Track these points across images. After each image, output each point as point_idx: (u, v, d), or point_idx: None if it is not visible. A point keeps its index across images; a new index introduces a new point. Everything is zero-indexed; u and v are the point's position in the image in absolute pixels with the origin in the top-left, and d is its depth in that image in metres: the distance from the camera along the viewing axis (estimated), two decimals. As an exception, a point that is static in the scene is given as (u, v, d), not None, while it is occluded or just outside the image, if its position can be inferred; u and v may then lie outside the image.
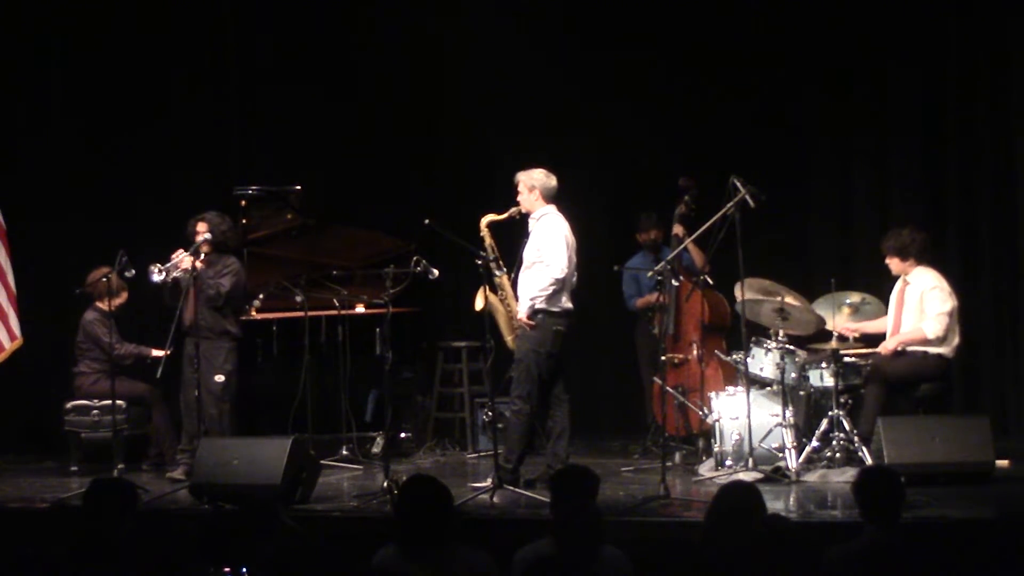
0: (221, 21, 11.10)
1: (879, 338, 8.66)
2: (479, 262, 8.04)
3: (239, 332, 9.03)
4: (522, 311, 8.06)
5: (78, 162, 10.80)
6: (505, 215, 8.24)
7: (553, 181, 8.23)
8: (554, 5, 10.92)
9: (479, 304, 8.29)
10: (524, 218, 8.26)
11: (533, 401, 8.06)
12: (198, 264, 8.70)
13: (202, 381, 8.65)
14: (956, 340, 8.58)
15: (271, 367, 9.74)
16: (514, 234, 8.39)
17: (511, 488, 7.70)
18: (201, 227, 8.87)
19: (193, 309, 8.74)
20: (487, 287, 8.24)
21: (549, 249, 8.09)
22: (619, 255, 9.76)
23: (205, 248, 8.74)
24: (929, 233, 9.60)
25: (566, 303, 8.14)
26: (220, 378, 8.79)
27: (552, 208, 8.23)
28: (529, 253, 8.12)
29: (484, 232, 8.22)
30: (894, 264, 8.67)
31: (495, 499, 7.57)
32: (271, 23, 11.15)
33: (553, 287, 8.02)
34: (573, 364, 11.13)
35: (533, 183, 8.20)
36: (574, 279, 8.27)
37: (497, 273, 8.32)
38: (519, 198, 8.21)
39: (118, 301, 9.11)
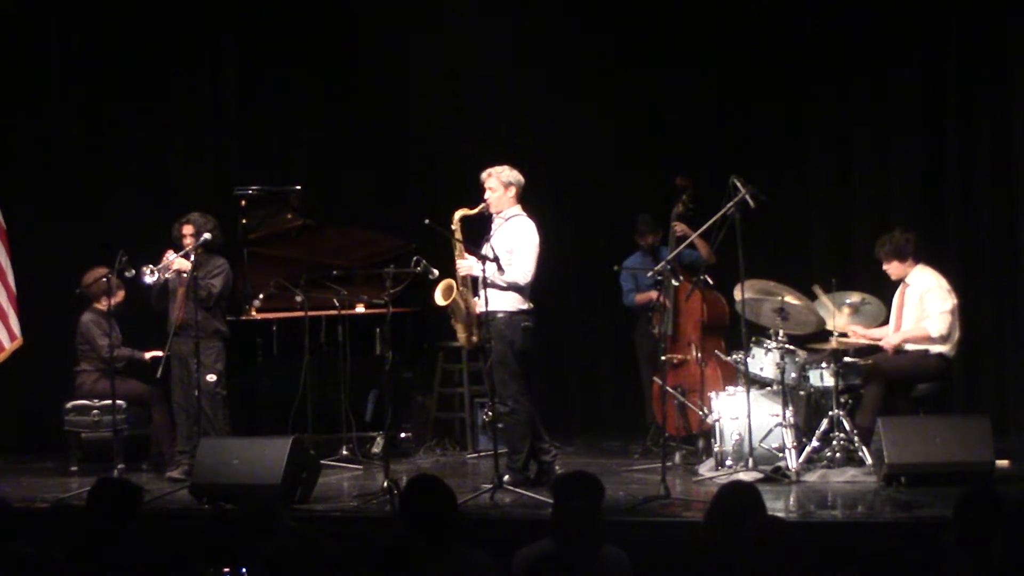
0: (221, 21, 11.10)
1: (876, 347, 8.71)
2: (482, 256, 7.94)
3: (228, 331, 9.05)
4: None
5: (78, 162, 10.81)
6: (476, 210, 8.10)
7: (523, 178, 8.16)
8: (554, 4, 10.92)
9: (443, 297, 8.22)
10: (484, 214, 8.11)
11: (524, 397, 8.03)
12: (188, 265, 8.71)
13: (192, 381, 8.67)
14: (957, 336, 8.60)
15: (271, 367, 9.75)
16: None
17: (511, 488, 7.69)
18: (187, 229, 8.91)
19: (183, 309, 8.75)
20: (456, 282, 8.20)
21: (522, 255, 7.98)
22: (618, 255, 9.75)
23: (200, 250, 8.76)
24: (928, 233, 9.68)
25: (528, 304, 8.06)
26: (212, 377, 8.80)
27: (520, 209, 8.12)
28: (499, 254, 7.91)
29: (456, 226, 8.11)
30: (893, 268, 8.67)
31: (495, 499, 7.56)
32: (271, 23, 11.15)
33: (507, 288, 7.94)
34: (573, 364, 11.23)
35: (510, 180, 8.07)
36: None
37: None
38: (492, 195, 8.05)
39: (116, 300, 9.11)
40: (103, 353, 9.09)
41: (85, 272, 9.35)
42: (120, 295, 9.21)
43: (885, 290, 8.86)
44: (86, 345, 9.41)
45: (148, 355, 9.29)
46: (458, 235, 8.09)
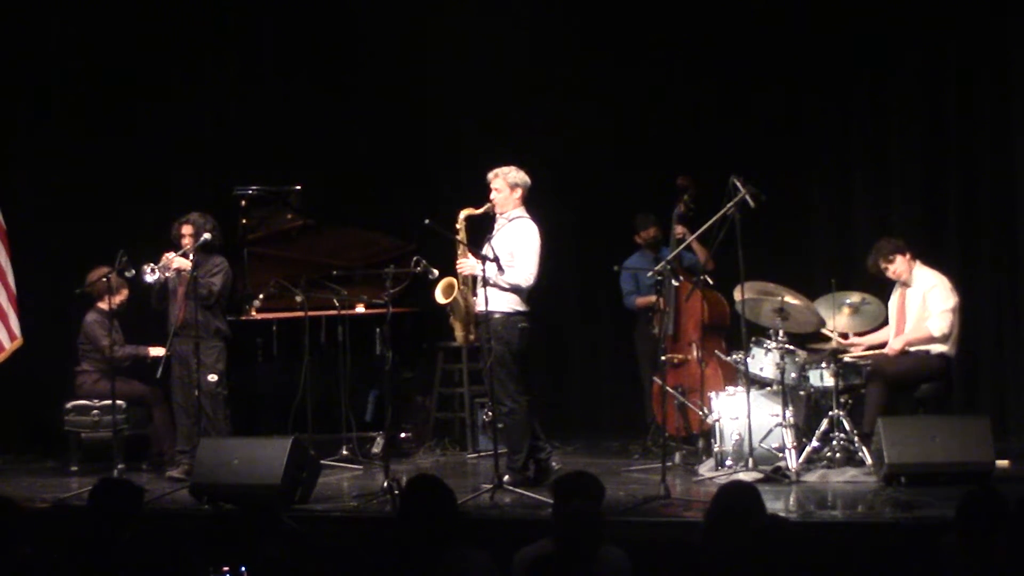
0: (221, 21, 11.10)
1: (879, 348, 8.71)
2: (482, 256, 7.93)
3: (229, 331, 9.05)
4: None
5: (78, 162, 10.80)
6: (481, 211, 8.10)
7: (529, 180, 8.16)
8: (554, 4, 10.93)
9: (443, 295, 8.22)
10: (489, 214, 8.12)
11: (522, 397, 8.02)
12: (188, 264, 8.72)
13: (193, 381, 8.67)
14: (956, 334, 8.61)
15: (271, 367, 9.75)
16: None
17: (511, 488, 7.69)
18: (186, 229, 8.91)
19: (183, 309, 8.75)
20: (458, 280, 8.20)
21: (524, 257, 7.97)
22: (618, 255, 9.75)
23: (200, 249, 8.76)
24: (928, 233, 9.74)
25: (526, 306, 8.06)
26: (213, 377, 8.80)
27: (524, 211, 8.11)
28: (500, 255, 7.90)
29: (460, 225, 8.11)
30: (898, 265, 8.64)
31: (495, 499, 7.56)
32: (271, 23, 11.15)
33: (510, 290, 7.94)
34: (573, 364, 11.23)
35: (516, 182, 8.06)
36: None
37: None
38: (497, 196, 8.04)
39: (119, 299, 9.14)
40: (107, 352, 9.07)
41: (87, 272, 9.35)
42: (123, 294, 9.24)
43: (885, 290, 8.87)
44: (88, 345, 9.42)
45: (152, 351, 9.27)
46: (461, 235, 8.09)
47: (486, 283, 7.84)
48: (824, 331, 8.60)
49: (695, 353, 9.18)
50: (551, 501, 5.69)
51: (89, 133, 10.83)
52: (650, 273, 8.96)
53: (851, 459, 8.19)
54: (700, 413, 8.81)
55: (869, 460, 8.03)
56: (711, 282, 9.15)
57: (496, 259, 7.87)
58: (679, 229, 9.36)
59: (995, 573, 4.75)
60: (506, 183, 8.07)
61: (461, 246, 8.08)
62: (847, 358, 8.52)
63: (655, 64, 10.63)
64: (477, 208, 8.11)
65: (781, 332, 8.40)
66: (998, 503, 4.94)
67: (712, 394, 8.60)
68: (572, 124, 10.77)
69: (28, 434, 10.41)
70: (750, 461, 8.07)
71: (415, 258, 8.34)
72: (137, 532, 5.17)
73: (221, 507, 7.57)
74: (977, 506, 4.95)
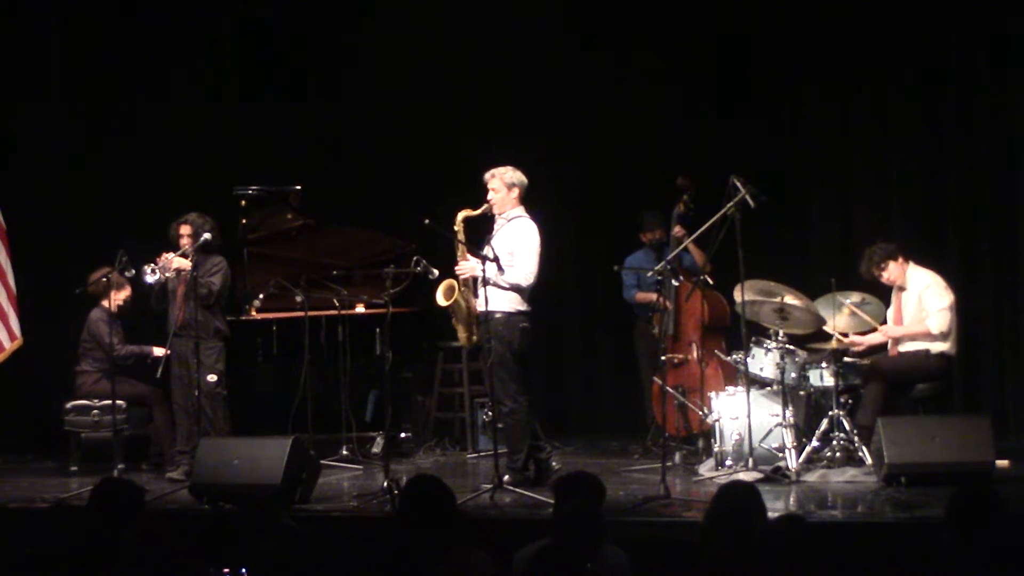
0: (220, 21, 11.10)
1: (878, 349, 8.73)
2: (482, 256, 7.94)
3: (229, 331, 9.05)
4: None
5: (78, 162, 10.81)
6: (479, 212, 8.11)
7: (526, 179, 8.17)
8: (553, 4, 10.93)
9: (444, 297, 8.23)
10: (488, 215, 8.12)
11: (523, 397, 8.03)
12: (187, 264, 8.72)
13: (193, 381, 8.67)
14: (955, 332, 8.62)
15: (271, 367, 9.75)
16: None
17: (511, 488, 7.69)
18: (185, 230, 8.91)
19: (183, 309, 8.75)
20: (458, 282, 8.20)
21: (523, 256, 7.98)
22: (618, 255, 9.75)
23: (199, 249, 8.76)
24: (928, 233, 9.74)
25: (527, 306, 8.07)
26: (213, 378, 8.80)
27: (523, 211, 8.12)
28: (500, 255, 7.91)
29: (459, 227, 8.13)
30: (890, 271, 8.65)
31: (495, 499, 7.56)
32: (270, 23, 11.16)
33: (510, 289, 7.94)
34: (573, 364, 11.23)
35: (513, 182, 8.07)
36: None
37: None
38: (494, 196, 8.05)
39: (123, 295, 9.16)
40: (109, 351, 9.06)
41: (87, 272, 9.34)
42: (127, 291, 9.24)
43: (885, 290, 8.87)
44: (91, 342, 9.40)
45: (155, 351, 9.24)
46: (461, 236, 8.09)
47: (486, 283, 7.84)
48: (826, 329, 8.61)
49: (695, 353, 9.18)
50: (551, 501, 5.69)
51: (89, 133, 10.83)
52: (650, 273, 8.96)
53: (851, 459, 8.20)
54: (700, 413, 8.81)
55: (869, 460, 8.03)
56: (711, 282, 9.15)
57: (496, 259, 7.88)
58: (679, 229, 9.35)
59: (993, 570, 4.74)
60: (503, 183, 8.08)
61: (460, 247, 8.08)
62: (847, 357, 8.52)
63: (655, 64, 10.62)
64: (475, 209, 8.12)
65: (781, 332, 8.40)
66: (987, 500, 4.95)
67: (712, 394, 8.60)
68: (572, 124, 10.78)
69: (28, 434, 10.41)
70: (750, 461, 8.07)
71: (415, 258, 8.34)
72: (137, 532, 5.17)
73: (221, 507, 7.57)
74: (966, 504, 4.96)
